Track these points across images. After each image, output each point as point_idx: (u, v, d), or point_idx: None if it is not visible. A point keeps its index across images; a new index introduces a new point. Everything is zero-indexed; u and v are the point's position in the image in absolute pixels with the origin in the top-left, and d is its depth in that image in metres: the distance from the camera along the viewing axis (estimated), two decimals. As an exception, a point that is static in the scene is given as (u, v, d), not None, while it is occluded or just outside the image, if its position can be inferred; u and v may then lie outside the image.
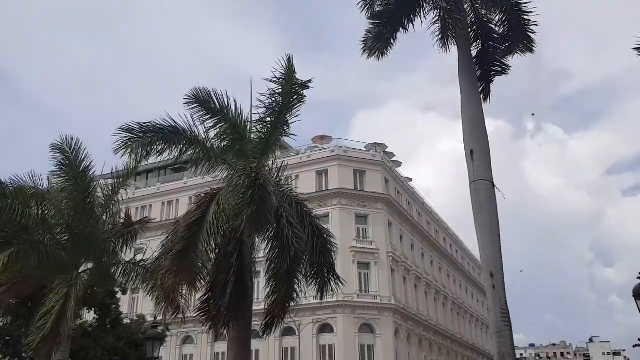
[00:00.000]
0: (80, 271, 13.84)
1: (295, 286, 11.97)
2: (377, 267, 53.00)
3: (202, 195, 12.05)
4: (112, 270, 15.84)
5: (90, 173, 14.18)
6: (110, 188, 14.58)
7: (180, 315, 11.45)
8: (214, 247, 10.92)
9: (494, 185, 10.56)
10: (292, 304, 11.94)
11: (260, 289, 43.37)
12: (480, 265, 9.83)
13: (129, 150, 12.15)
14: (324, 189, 54.30)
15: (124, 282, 15.02)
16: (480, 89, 12.38)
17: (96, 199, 14.63)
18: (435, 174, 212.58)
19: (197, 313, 11.61)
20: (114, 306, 31.96)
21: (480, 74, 12.49)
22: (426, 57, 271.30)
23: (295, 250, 11.10)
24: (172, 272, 10.25)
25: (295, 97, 12.73)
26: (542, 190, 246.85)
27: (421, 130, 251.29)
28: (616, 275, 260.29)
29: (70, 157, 14.13)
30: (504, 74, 12.67)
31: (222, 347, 49.58)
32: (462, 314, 74.79)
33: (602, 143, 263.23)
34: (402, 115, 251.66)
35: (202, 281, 11.24)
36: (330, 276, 12.55)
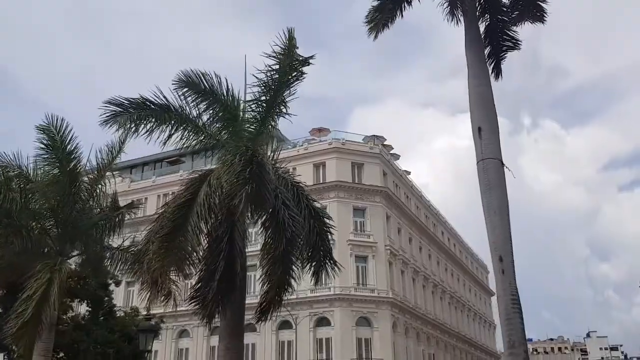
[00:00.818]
0: (68, 259, 13.16)
1: (292, 271, 11.35)
2: (375, 261, 52.49)
3: (193, 177, 11.41)
4: (102, 259, 15.16)
5: (77, 155, 13.52)
6: (96, 171, 13.90)
7: (171, 303, 10.78)
8: (204, 230, 10.29)
9: (503, 164, 9.91)
10: (288, 289, 11.32)
11: (256, 282, 42.88)
12: (489, 249, 9.18)
13: (116, 124, 11.49)
14: (321, 181, 53.67)
15: (113, 270, 14.28)
16: (491, 67, 11.74)
17: (82, 183, 13.98)
18: (432, 170, 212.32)
19: (190, 302, 10.98)
20: (106, 298, 31.34)
21: (489, 51, 11.86)
22: (424, 54, 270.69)
23: (291, 232, 10.49)
24: (159, 256, 9.63)
25: (295, 74, 12.06)
26: (539, 186, 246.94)
27: (418, 126, 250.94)
28: (612, 271, 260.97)
29: (56, 139, 13.45)
30: (516, 49, 12.02)
31: (217, 340, 49.20)
32: (460, 308, 74.43)
33: (598, 139, 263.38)
34: (400, 112, 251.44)
35: (193, 267, 10.61)
36: (327, 260, 11.94)
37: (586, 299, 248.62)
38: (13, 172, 13.46)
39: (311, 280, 12.13)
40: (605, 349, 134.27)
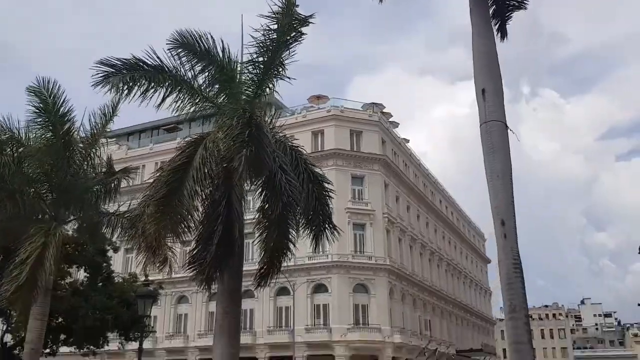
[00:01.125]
0: (63, 224, 12.97)
1: (289, 235, 11.20)
2: (373, 228, 52.66)
3: (189, 140, 11.14)
4: (99, 225, 14.98)
5: (70, 117, 13.18)
6: (90, 135, 13.59)
7: (168, 269, 10.64)
8: (200, 193, 10.08)
9: (507, 127, 9.63)
10: (286, 254, 11.18)
11: (254, 249, 43.02)
12: (491, 213, 8.98)
13: (109, 85, 11.15)
14: (319, 149, 53.35)
15: (110, 236, 14.11)
16: (495, 27, 11.33)
17: (76, 147, 13.69)
18: (431, 138, 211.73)
19: (188, 266, 10.85)
20: (104, 264, 31.42)
21: (494, 10, 11.44)
22: (424, 20, 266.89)
23: (288, 196, 10.29)
24: (154, 219, 9.44)
25: (293, 34, 11.67)
26: (537, 155, 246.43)
27: (417, 95, 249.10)
28: (608, 240, 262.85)
29: (48, 102, 13.09)
30: (522, 8, 11.56)
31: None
32: (457, 275, 75.13)
33: (597, 108, 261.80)
34: (399, 80, 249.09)
35: (189, 232, 10.43)
36: (327, 225, 11.76)
37: (581, 268, 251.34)
38: (4, 135, 13.15)
39: (310, 245, 11.97)
40: (599, 315, 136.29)
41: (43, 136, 13.17)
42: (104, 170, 13.94)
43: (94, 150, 13.75)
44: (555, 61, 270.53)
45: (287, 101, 51.09)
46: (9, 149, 13.04)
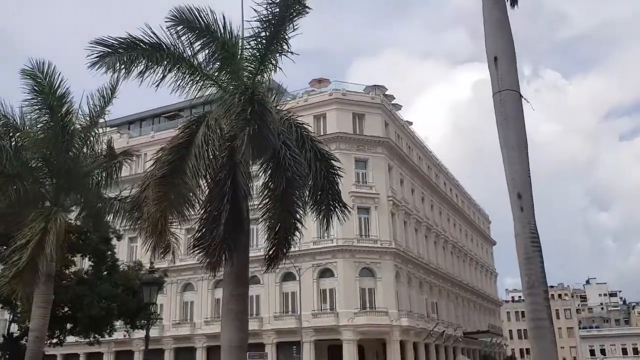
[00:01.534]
0: (63, 210, 12.64)
1: (297, 214, 10.85)
2: (377, 212, 52.36)
3: (190, 119, 10.76)
4: (101, 212, 14.67)
5: (68, 100, 12.78)
6: (89, 117, 13.21)
7: (173, 256, 10.32)
8: (204, 172, 9.73)
9: (521, 96, 9.21)
10: (293, 233, 10.84)
11: (259, 235, 42.81)
12: (507, 186, 8.60)
13: (105, 66, 10.76)
14: (322, 133, 52.85)
15: (112, 221, 13.79)
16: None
17: (75, 130, 13.32)
18: (432, 122, 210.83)
19: (194, 249, 10.52)
20: (109, 253, 31.24)
21: (504, -25, 10.99)
22: (424, 4, 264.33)
23: (292, 172, 9.92)
24: (156, 199, 9.10)
25: (297, 7, 11.24)
26: (539, 137, 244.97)
27: (418, 78, 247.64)
28: (611, 220, 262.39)
29: (43, 84, 12.69)
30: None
31: (222, 293, 49.72)
32: (462, 257, 74.98)
33: (600, 88, 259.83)
34: (399, 64, 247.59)
35: (192, 210, 10.09)
36: (336, 204, 11.40)
37: (584, 248, 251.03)
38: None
39: (320, 225, 11.62)
40: (605, 295, 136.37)
41: (40, 119, 12.80)
42: (104, 153, 13.58)
43: (93, 133, 13.39)
44: (556, 42, 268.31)
45: (288, 86, 50.64)
46: (4, 134, 12.70)
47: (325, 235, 50.93)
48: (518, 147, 8.84)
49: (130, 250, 55.19)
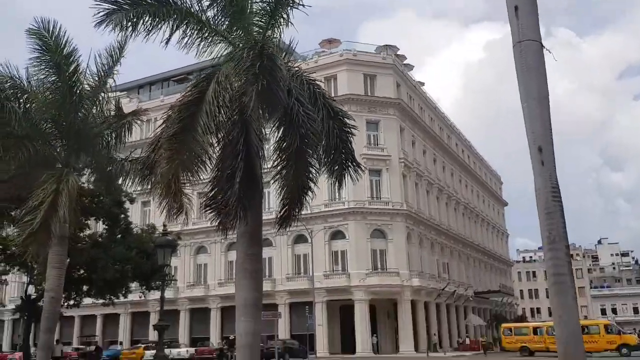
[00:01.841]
0: (75, 171, 12.54)
1: (309, 173, 10.66)
2: (389, 174, 52.17)
3: (200, 76, 10.48)
4: (113, 175, 14.57)
5: (75, 59, 12.52)
6: (97, 77, 12.96)
7: (186, 218, 10.19)
8: (215, 130, 9.53)
9: (542, 46, 8.82)
10: (306, 192, 10.68)
11: (271, 197, 42.83)
12: (527, 139, 8.31)
13: (112, 24, 10.47)
14: (332, 95, 52.08)
15: (124, 182, 13.69)
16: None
17: (83, 91, 13.10)
18: (444, 83, 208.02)
19: (208, 209, 10.41)
20: (122, 216, 31.48)
21: None
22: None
23: (306, 129, 9.70)
24: (168, 158, 8.94)
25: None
26: (553, 96, 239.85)
27: (430, 38, 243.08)
28: (624, 180, 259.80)
29: (49, 43, 12.41)
30: None
31: (235, 255, 50.37)
32: (474, 218, 74.93)
33: (615, 46, 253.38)
34: (411, 24, 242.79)
35: (205, 169, 9.93)
36: (349, 163, 11.19)
37: (596, 208, 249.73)
38: (6, 83, 12.56)
39: (334, 184, 11.44)
40: (616, 255, 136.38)
41: (47, 80, 12.58)
42: (113, 113, 13.38)
43: (102, 93, 13.17)
44: (571, 1, 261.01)
45: (297, 46, 49.76)
46: (12, 95, 12.51)
47: (337, 197, 51.01)
48: (539, 99, 8.51)
49: (143, 214, 55.70)
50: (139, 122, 14.05)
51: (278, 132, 10.47)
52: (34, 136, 12.11)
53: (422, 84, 65.14)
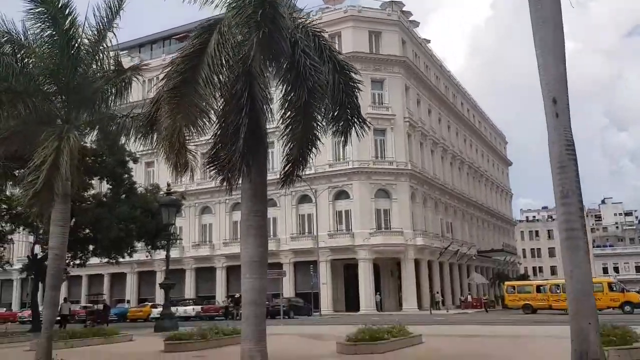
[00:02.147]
0: (76, 129, 12.29)
1: (315, 130, 10.39)
2: (394, 133, 51.79)
3: (201, 26, 10.06)
4: (111, 130, 14.30)
5: (72, 10, 12.09)
6: (96, 31, 12.57)
7: (190, 172, 9.96)
8: (217, 83, 9.23)
9: (560, -5, 8.43)
10: (311, 149, 10.44)
11: (274, 158, 42.65)
12: (541, 91, 8.02)
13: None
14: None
15: (126, 139, 13.44)
16: None
17: (82, 45, 12.74)
18: (448, 41, 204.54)
19: (210, 166, 10.20)
20: (126, 176, 31.41)
21: None
22: None
23: (313, 82, 9.38)
24: (171, 112, 8.68)
25: None
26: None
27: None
28: (629, 140, 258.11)
29: (44, -8, 11.99)
30: None
31: (239, 216, 50.62)
32: (478, 178, 74.80)
33: (624, 4, 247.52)
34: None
35: (209, 124, 9.67)
36: (355, 118, 10.89)
37: (601, 168, 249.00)
38: (3, 38, 12.19)
39: (339, 141, 11.18)
40: (620, 214, 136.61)
41: (43, 33, 12.21)
42: (112, 68, 13.04)
43: (101, 47, 12.81)
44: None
45: (301, 2, 48.70)
46: (9, 49, 12.17)
47: (341, 157, 50.81)
48: (554, 50, 8.18)
49: (147, 174, 55.73)
50: (139, 78, 13.67)
51: (283, 87, 10.13)
52: (32, 92, 11.81)
53: (428, 41, 63.97)
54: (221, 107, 10.07)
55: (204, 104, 9.02)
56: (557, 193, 7.84)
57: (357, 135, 11.21)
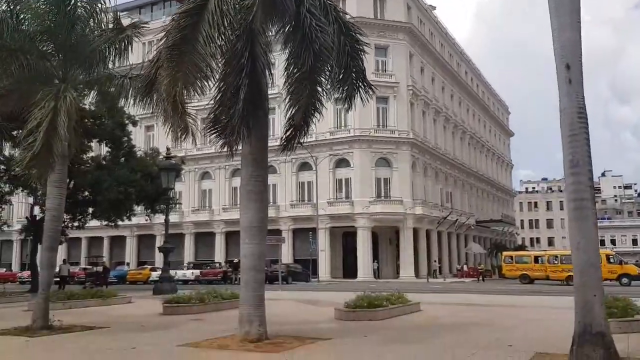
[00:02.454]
0: (73, 87, 11.95)
1: (319, 94, 10.07)
2: (396, 101, 51.28)
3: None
4: (112, 93, 13.99)
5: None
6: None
7: (191, 136, 9.66)
8: (218, 42, 8.89)
9: (575, -45, 8.03)
10: (314, 114, 10.13)
11: (275, 123, 42.11)
12: (554, 57, 7.73)
13: None
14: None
15: (125, 100, 13.11)
16: None
17: (80, 1, 12.32)
18: (453, 10, 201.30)
19: (210, 129, 9.89)
20: (125, 138, 31.14)
21: None
22: None
23: (319, 44, 9.03)
24: (168, 69, 8.38)
25: None
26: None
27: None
28: (632, 113, 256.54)
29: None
30: None
31: (239, 182, 50.51)
32: (479, 148, 74.48)
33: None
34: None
35: (209, 85, 9.35)
36: (360, 83, 10.57)
37: (602, 141, 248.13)
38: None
39: (343, 106, 10.87)
40: (619, 187, 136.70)
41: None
42: (110, 26, 12.64)
43: (99, 5, 12.38)
44: None
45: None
46: (4, 4, 11.76)
47: (342, 125, 50.38)
48: (570, 13, 7.82)
49: (147, 138, 55.39)
50: (139, 38, 13.26)
51: (288, 49, 9.76)
52: (28, 49, 11.47)
53: (434, 7, 62.78)
54: (222, 68, 9.73)
55: (204, 64, 8.68)
56: (566, 162, 7.61)
57: (362, 100, 10.90)
